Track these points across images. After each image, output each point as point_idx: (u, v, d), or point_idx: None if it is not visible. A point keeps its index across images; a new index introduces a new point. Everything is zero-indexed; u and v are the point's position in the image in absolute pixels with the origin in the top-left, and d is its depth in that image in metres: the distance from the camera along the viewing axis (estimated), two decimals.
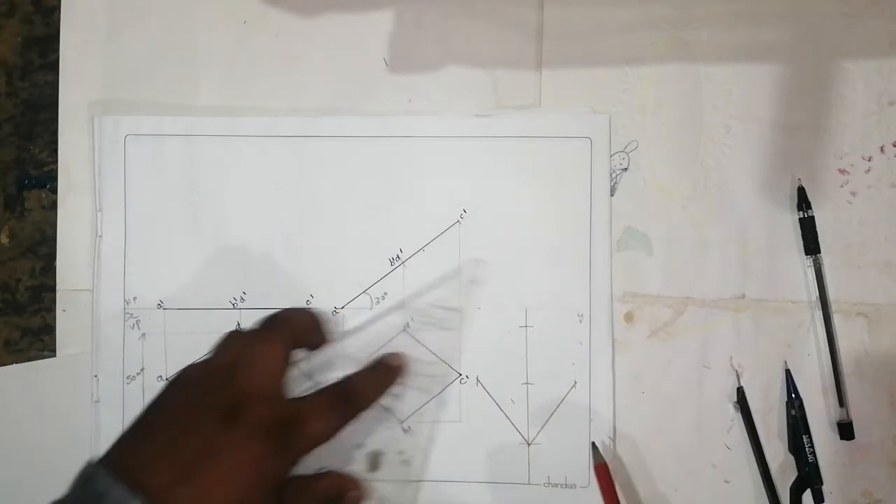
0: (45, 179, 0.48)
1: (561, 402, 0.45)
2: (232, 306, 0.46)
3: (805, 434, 0.44)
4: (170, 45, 0.48)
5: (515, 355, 0.46)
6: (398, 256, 0.46)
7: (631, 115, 0.46)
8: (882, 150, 0.46)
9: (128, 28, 0.48)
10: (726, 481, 0.45)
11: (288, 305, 0.46)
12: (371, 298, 0.46)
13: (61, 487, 0.32)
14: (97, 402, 0.46)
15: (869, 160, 0.46)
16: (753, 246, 0.46)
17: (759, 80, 0.46)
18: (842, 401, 0.44)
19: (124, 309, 0.46)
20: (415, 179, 0.47)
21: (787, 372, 0.45)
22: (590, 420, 0.45)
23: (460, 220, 0.46)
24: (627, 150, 0.46)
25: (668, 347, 0.46)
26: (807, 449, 0.44)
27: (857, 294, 0.45)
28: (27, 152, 0.49)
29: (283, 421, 0.35)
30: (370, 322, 0.45)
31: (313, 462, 0.37)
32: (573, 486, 0.45)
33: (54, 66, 0.48)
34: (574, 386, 0.45)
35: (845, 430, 0.44)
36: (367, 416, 0.41)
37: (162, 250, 0.47)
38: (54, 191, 0.48)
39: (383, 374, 0.41)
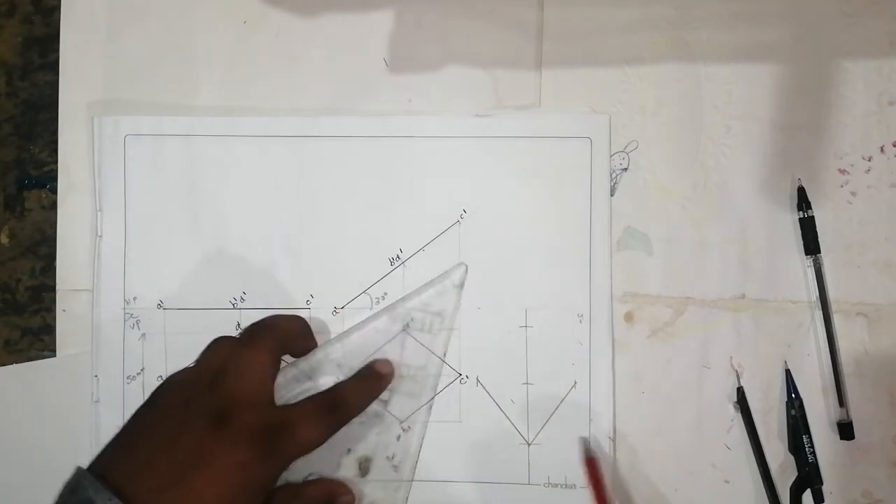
0: (45, 179, 0.48)
1: (561, 402, 0.45)
2: (232, 306, 0.46)
3: (805, 434, 0.44)
4: (170, 45, 0.48)
5: (515, 355, 0.46)
6: (398, 256, 0.46)
7: (631, 115, 0.46)
8: (882, 150, 0.46)
9: (128, 28, 0.48)
10: (726, 481, 0.45)
11: (288, 305, 0.46)
12: (371, 298, 0.46)
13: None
14: (97, 402, 0.46)
15: (869, 160, 0.46)
16: (753, 246, 0.46)
17: (759, 80, 0.46)
18: (842, 401, 0.44)
19: (124, 309, 0.46)
20: (415, 179, 0.47)
21: (787, 372, 0.45)
22: (590, 420, 0.45)
23: (460, 220, 0.46)
24: (627, 150, 0.46)
25: (668, 347, 0.46)
26: (807, 449, 0.44)
27: (857, 294, 0.45)
28: (27, 152, 0.49)
29: (270, 427, 0.35)
30: (356, 327, 0.45)
31: (303, 467, 0.37)
32: (573, 486, 0.45)
33: (54, 66, 0.48)
34: (574, 386, 0.45)
35: (845, 430, 0.44)
36: (357, 421, 0.41)
37: (162, 250, 0.47)
38: (54, 191, 0.48)
39: (371, 381, 0.42)
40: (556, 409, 0.45)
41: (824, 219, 0.45)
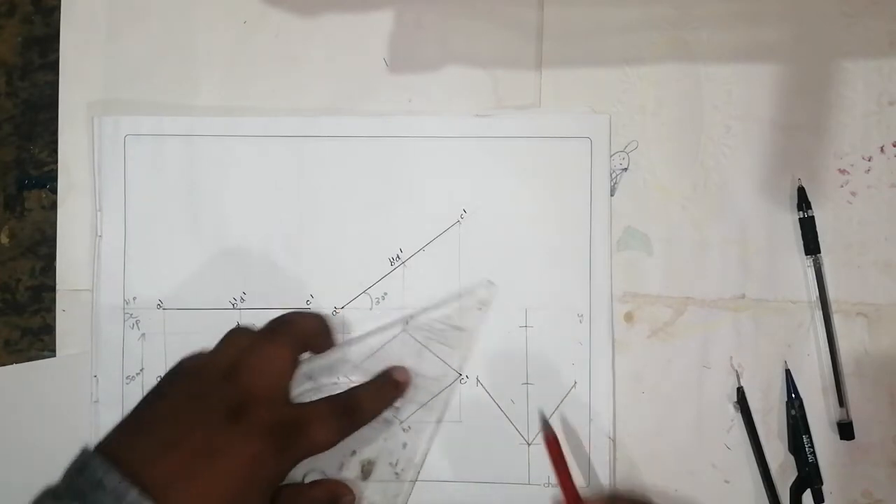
0: (45, 179, 0.48)
1: (561, 402, 0.45)
2: (232, 306, 0.46)
3: (805, 434, 0.44)
4: (170, 45, 0.48)
5: (515, 355, 0.46)
6: (398, 256, 0.46)
7: (631, 115, 0.46)
8: (882, 150, 0.46)
9: (128, 28, 0.48)
10: (726, 481, 0.45)
11: (288, 305, 0.46)
12: (371, 298, 0.46)
13: None
14: (96, 402, 0.46)
15: (869, 160, 0.46)
16: (753, 246, 0.46)
17: (759, 80, 0.46)
18: (842, 401, 0.44)
19: (124, 309, 0.46)
20: (415, 179, 0.47)
21: (787, 372, 0.45)
22: (590, 420, 0.45)
23: (460, 220, 0.46)
24: (627, 150, 0.46)
25: (668, 347, 0.46)
26: (807, 449, 0.44)
27: (857, 294, 0.45)
28: (27, 152, 0.49)
29: (285, 425, 0.35)
30: (375, 331, 0.45)
31: (305, 463, 0.36)
32: None
33: (54, 66, 0.48)
34: (574, 386, 0.45)
35: (845, 430, 0.44)
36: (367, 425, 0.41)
37: (162, 250, 0.47)
38: (54, 191, 0.48)
39: (388, 388, 0.41)
40: (557, 408, 0.45)
41: (824, 219, 0.45)
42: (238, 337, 0.37)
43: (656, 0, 0.46)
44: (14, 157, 0.49)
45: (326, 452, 0.36)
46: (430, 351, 0.45)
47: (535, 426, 0.45)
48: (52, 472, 0.32)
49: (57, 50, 0.48)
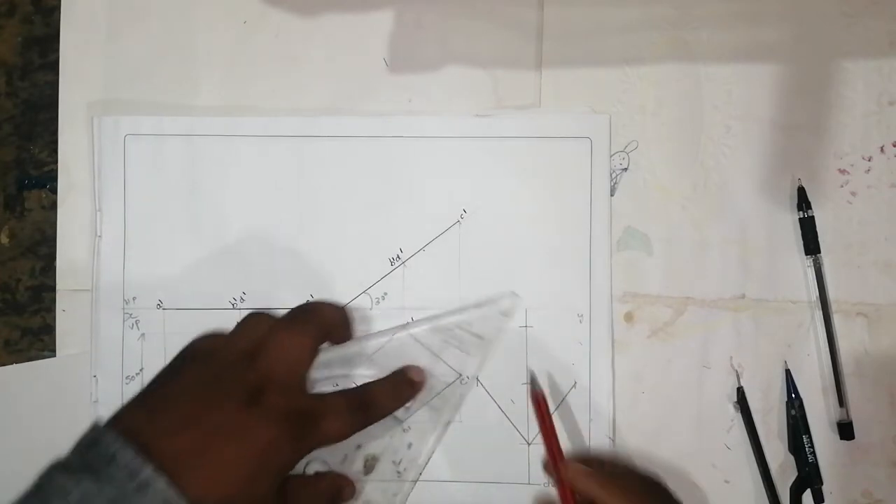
0: (45, 179, 0.48)
1: (561, 402, 0.45)
2: (232, 306, 0.46)
3: (805, 434, 0.44)
4: (170, 45, 0.48)
5: (515, 355, 0.46)
6: (398, 256, 0.46)
7: (631, 115, 0.46)
8: (882, 150, 0.46)
9: (128, 28, 0.48)
10: (726, 481, 0.45)
11: (288, 305, 0.46)
12: (371, 298, 0.46)
13: None
14: (96, 402, 0.46)
15: (869, 160, 0.46)
16: (753, 246, 0.46)
17: (759, 80, 0.46)
18: (842, 401, 0.44)
19: (124, 309, 0.46)
20: (415, 179, 0.47)
21: (787, 372, 0.45)
22: (590, 420, 0.45)
23: (460, 220, 0.46)
24: (627, 150, 0.46)
25: (668, 347, 0.46)
26: (807, 449, 0.44)
27: (857, 294, 0.45)
28: (27, 152, 0.49)
29: (302, 413, 0.34)
30: (393, 329, 0.45)
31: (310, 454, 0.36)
32: None
33: (54, 66, 0.48)
34: (574, 386, 0.45)
35: (845, 430, 0.44)
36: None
37: (162, 250, 0.47)
38: (54, 191, 0.48)
39: (404, 387, 0.41)
40: (557, 408, 0.45)
41: (824, 219, 0.45)
42: (258, 322, 0.37)
43: (656, 0, 0.46)
44: (14, 157, 0.49)
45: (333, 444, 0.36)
46: (449, 355, 0.45)
47: (536, 426, 0.45)
48: None
49: (57, 50, 0.48)
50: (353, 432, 0.37)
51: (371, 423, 0.38)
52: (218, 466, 0.31)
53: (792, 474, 0.45)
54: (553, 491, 0.41)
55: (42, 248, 0.48)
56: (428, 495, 0.45)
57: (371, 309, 0.46)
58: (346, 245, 0.46)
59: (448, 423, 0.45)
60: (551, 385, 0.45)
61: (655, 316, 0.46)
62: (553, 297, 0.46)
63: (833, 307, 0.45)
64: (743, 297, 0.46)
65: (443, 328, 0.45)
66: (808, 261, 0.45)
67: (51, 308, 0.48)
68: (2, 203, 0.49)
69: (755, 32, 0.46)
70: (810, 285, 0.45)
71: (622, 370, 0.46)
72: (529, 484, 0.45)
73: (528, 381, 0.45)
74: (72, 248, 0.47)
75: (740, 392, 0.45)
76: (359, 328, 0.43)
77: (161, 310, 0.46)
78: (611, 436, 0.45)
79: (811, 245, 0.45)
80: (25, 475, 0.32)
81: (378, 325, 0.45)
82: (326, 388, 0.39)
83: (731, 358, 0.45)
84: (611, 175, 0.46)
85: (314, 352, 0.37)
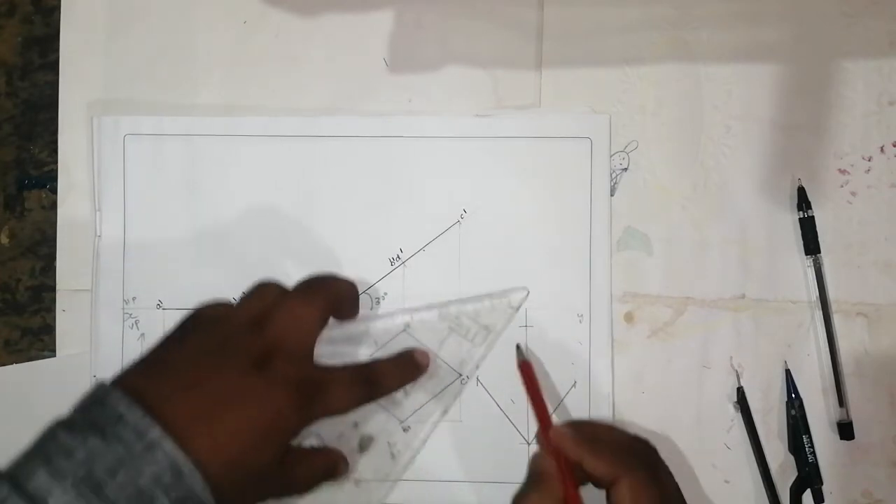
0: (45, 179, 0.48)
1: (561, 402, 0.45)
2: None
3: (805, 434, 0.44)
4: (170, 45, 0.48)
5: (515, 355, 0.46)
6: (398, 256, 0.46)
7: (631, 115, 0.46)
8: (882, 150, 0.46)
9: (128, 28, 0.48)
10: (726, 481, 0.45)
11: None
12: (371, 298, 0.46)
13: None
14: None
15: (869, 160, 0.46)
16: (753, 246, 0.46)
17: (759, 80, 0.46)
18: (842, 401, 0.44)
19: (123, 309, 0.46)
20: (415, 179, 0.47)
21: (787, 372, 0.45)
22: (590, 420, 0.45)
23: (460, 220, 0.46)
24: (627, 150, 0.46)
25: (668, 347, 0.46)
26: (807, 449, 0.44)
27: (857, 294, 0.45)
28: (27, 152, 0.49)
29: (309, 383, 0.34)
30: (401, 311, 0.45)
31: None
32: None
33: (54, 66, 0.48)
34: (574, 386, 0.45)
35: (845, 430, 0.44)
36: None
37: (162, 250, 0.47)
38: (54, 191, 0.48)
39: (409, 367, 0.41)
40: (557, 408, 0.45)
41: (824, 219, 0.45)
42: (267, 289, 0.37)
43: (656, 0, 0.46)
44: (14, 157, 0.49)
45: (331, 419, 0.36)
46: (454, 343, 0.45)
47: (536, 426, 0.45)
48: None
49: (57, 50, 0.48)
50: (357, 406, 0.37)
51: (374, 400, 0.38)
52: (224, 431, 0.31)
53: (792, 474, 0.45)
54: None
55: (42, 248, 0.48)
56: (428, 495, 0.45)
57: (371, 309, 0.46)
58: (346, 245, 0.46)
59: (446, 411, 0.45)
60: (551, 385, 0.45)
61: (655, 316, 0.46)
62: (553, 297, 0.46)
63: (833, 307, 0.45)
64: (743, 297, 0.46)
65: (452, 315, 0.45)
66: (808, 261, 0.45)
67: (51, 308, 0.48)
68: (2, 203, 0.49)
69: (755, 32, 0.46)
70: (810, 285, 0.45)
71: (622, 370, 0.46)
72: None
73: (516, 353, 0.44)
74: (72, 248, 0.47)
75: (740, 392, 0.45)
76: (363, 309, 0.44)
77: (161, 310, 0.46)
78: None
79: (811, 245, 0.45)
80: None
81: (405, 318, 0.45)
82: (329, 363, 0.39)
83: (731, 358, 0.45)
84: (611, 175, 0.46)
85: (322, 322, 0.37)
